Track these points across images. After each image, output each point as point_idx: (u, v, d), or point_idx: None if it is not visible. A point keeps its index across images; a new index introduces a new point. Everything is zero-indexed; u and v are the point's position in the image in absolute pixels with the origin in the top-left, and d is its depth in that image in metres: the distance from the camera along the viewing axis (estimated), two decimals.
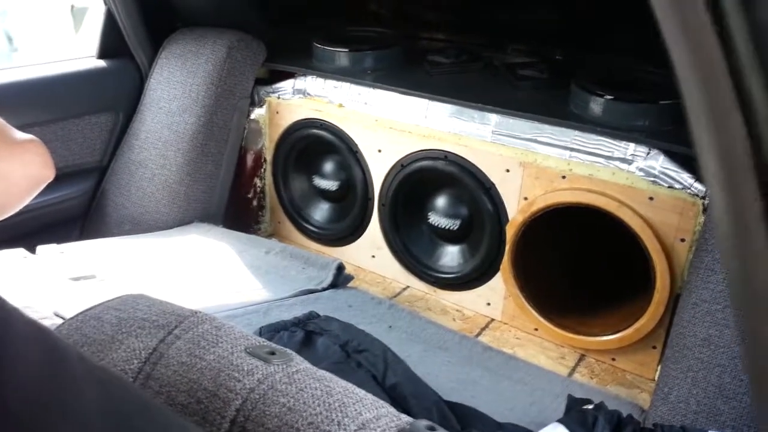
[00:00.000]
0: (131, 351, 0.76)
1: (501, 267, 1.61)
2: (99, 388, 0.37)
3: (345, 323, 1.25)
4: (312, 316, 1.28)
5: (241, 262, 1.59)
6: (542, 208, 1.49)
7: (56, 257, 1.49)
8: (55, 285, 1.36)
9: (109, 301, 0.84)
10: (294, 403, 0.66)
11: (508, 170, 1.56)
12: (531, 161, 1.52)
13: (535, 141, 1.54)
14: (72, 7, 3.03)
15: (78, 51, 1.91)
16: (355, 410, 0.65)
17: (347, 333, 1.21)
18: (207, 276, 1.51)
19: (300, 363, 0.72)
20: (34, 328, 0.35)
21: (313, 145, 1.91)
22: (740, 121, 0.24)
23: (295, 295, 1.47)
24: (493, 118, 1.60)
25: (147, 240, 1.66)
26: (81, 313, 0.84)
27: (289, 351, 0.75)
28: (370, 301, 1.56)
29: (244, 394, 0.68)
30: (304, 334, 1.22)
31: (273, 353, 0.73)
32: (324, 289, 1.54)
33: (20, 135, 0.81)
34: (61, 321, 0.95)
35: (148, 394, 0.68)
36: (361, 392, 0.68)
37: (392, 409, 0.69)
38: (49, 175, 0.89)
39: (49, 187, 1.62)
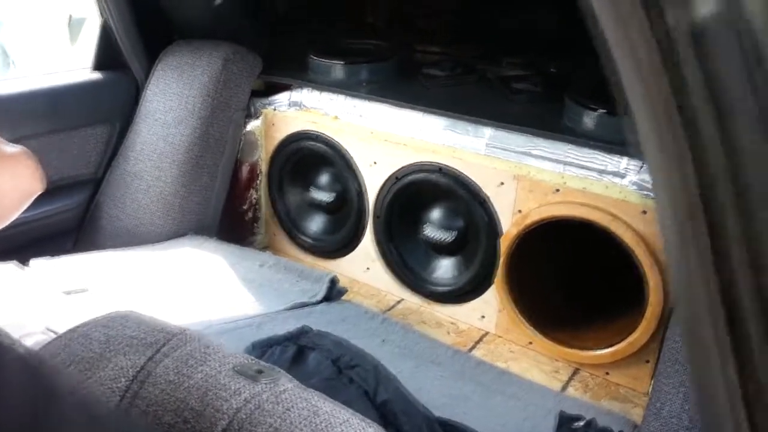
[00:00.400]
0: (119, 369, 0.75)
1: (495, 280, 1.61)
2: (88, 421, 0.37)
3: (337, 338, 1.25)
4: (304, 331, 1.28)
5: (235, 276, 1.58)
6: (536, 222, 1.49)
7: (49, 270, 1.49)
8: (48, 299, 1.36)
9: (98, 318, 0.84)
10: (280, 423, 0.66)
11: (502, 183, 1.56)
12: (525, 174, 1.53)
13: (529, 154, 1.54)
14: (69, 17, 3.03)
15: (76, 63, 1.92)
16: (342, 431, 0.65)
17: (339, 348, 1.21)
18: (200, 290, 1.51)
19: (287, 382, 0.72)
20: (23, 361, 0.35)
21: (309, 157, 1.92)
22: (691, 161, 0.25)
23: (289, 309, 1.47)
24: (487, 131, 1.61)
25: (141, 253, 1.66)
26: (69, 330, 0.84)
27: (277, 369, 0.75)
28: (364, 314, 1.56)
29: (230, 414, 0.67)
30: (296, 349, 1.22)
31: (261, 371, 0.73)
32: (317, 303, 1.54)
33: (10, 147, 0.81)
34: (52, 336, 0.95)
35: (141, 423, 0.68)
36: (348, 412, 0.68)
37: (380, 430, 0.69)
38: (39, 187, 0.89)
39: (44, 200, 1.62)
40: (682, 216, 0.25)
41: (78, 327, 0.83)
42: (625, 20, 0.24)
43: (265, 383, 0.70)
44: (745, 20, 0.22)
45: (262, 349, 1.23)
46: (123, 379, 0.75)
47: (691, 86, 0.23)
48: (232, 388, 0.69)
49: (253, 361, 0.76)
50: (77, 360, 0.77)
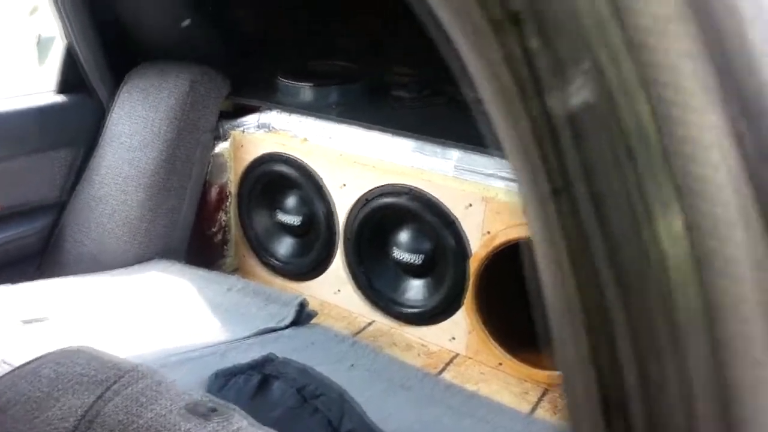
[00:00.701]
0: (67, 409, 0.73)
1: (464, 301, 1.60)
2: None
3: (302, 366, 1.23)
4: (269, 359, 1.26)
5: (201, 301, 1.56)
6: (504, 243, 1.50)
7: (8, 298, 1.45)
8: (6, 328, 1.32)
9: (48, 354, 0.82)
10: None
11: (470, 205, 1.57)
12: (492, 196, 1.54)
13: (497, 176, 1.55)
14: (38, 37, 2.99)
15: (44, 85, 1.89)
16: None
17: (304, 376, 1.19)
18: (165, 316, 1.48)
19: (241, 420, 0.70)
20: None
21: (278, 179, 1.91)
22: (567, 244, 0.25)
23: (256, 335, 1.45)
24: (455, 153, 1.62)
25: (105, 279, 1.63)
26: (18, 367, 0.81)
27: (231, 406, 0.74)
28: (333, 338, 1.54)
29: None
30: (261, 378, 1.20)
31: (214, 409, 0.72)
32: (286, 327, 1.52)
33: None
34: (8, 368, 0.92)
35: None
36: None
37: None
38: None
39: (6, 225, 1.57)
40: (561, 300, 0.25)
41: (27, 364, 0.81)
42: (504, 99, 0.24)
43: (218, 422, 0.69)
44: (615, 111, 0.22)
45: (226, 378, 1.21)
46: (71, 419, 0.73)
47: (570, 172, 0.23)
48: (183, 428, 0.67)
49: (207, 398, 0.74)
50: (24, 399, 0.74)
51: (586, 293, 0.25)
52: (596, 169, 0.23)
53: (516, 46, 0.23)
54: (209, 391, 1.20)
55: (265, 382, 1.20)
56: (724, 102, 0.21)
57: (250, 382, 1.19)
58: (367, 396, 1.27)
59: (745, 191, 0.22)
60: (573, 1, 0.21)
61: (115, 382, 0.75)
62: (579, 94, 0.22)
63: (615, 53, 0.21)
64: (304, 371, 1.21)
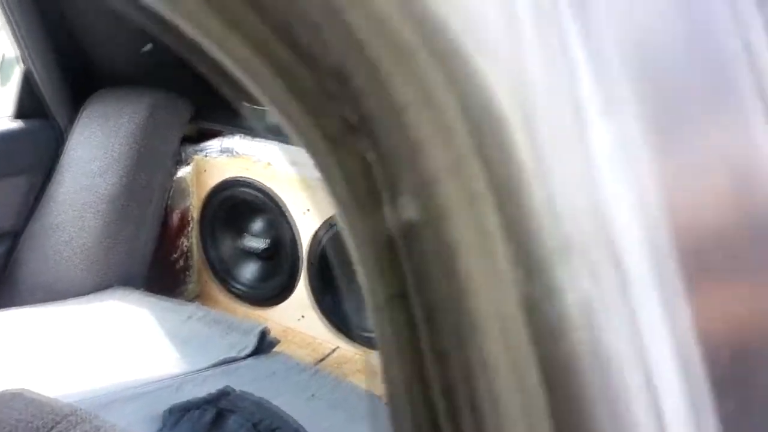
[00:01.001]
0: None
1: None
2: None
3: (259, 400, 1.21)
4: (225, 392, 1.23)
5: (159, 331, 1.53)
6: None
7: None
8: None
9: None
10: None
11: None
12: None
13: None
14: (2, 57, 2.94)
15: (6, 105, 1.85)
16: None
17: (261, 411, 1.17)
18: (120, 348, 1.45)
19: None
20: None
21: (241, 204, 1.89)
22: (404, 355, 0.25)
23: (214, 366, 1.42)
24: None
25: (60, 309, 1.59)
26: None
27: None
28: (295, 367, 1.52)
29: None
30: (216, 413, 1.18)
31: None
32: (246, 357, 1.49)
33: None
34: None
35: None
36: None
37: None
38: None
39: None
40: (397, 413, 0.26)
41: None
42: (344, 210, 0.25)
43: None
44: (432, 234, 0.23)
45: (181, 413, 1.18)
46: None
47: (406, 283, 0.23)
48: None
49: None
50: None
51: (416, 407, 0.25)
52: (425, 286, 0.23)
53: (354, 159, 0.23)
54: (164, 427, 1.17)
55: (220, 417, 1.17)
56: (508, 251, 0.22)
57: (204, 418, 1.16)
58: (326, 427, 1.26)
59: (525, 340, 0.22)
60: (398, 117, 0.21)
61: (52, 428, 0.72)
62: (406, 210, 0.22)
63: (420, 183, 0.22)
64: (261, 405, 1.19)
